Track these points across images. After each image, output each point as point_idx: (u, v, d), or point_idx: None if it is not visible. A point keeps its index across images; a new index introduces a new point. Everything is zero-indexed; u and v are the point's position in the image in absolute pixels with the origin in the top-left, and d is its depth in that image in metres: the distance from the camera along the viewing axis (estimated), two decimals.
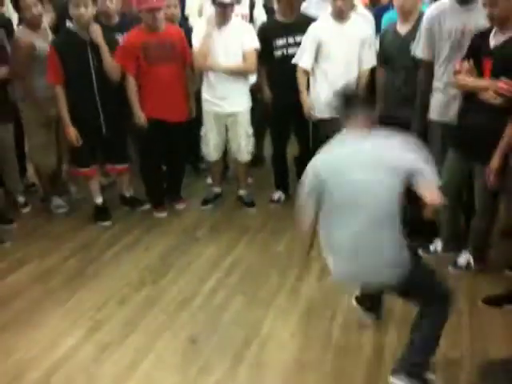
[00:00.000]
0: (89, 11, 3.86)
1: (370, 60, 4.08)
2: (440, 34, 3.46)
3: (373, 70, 4.14)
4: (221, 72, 4.16)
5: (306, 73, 4.12)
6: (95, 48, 3.95)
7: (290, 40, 4.20)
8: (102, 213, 4.37)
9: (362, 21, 4.13)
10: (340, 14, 3.96)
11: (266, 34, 4.25)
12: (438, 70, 3.54)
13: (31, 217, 4.45)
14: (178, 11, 4.57)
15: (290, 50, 4.19)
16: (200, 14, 4.97)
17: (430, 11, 3.56)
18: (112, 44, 4.03)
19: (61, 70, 3.93)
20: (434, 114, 3.62)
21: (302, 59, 4.08)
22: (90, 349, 2.92)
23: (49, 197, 4.55)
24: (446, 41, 3.44)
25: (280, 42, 4.22)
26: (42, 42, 4.08)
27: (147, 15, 3.99)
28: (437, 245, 3.68)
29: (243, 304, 3.28)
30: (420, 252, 3.69)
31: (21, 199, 4.55)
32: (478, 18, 3.26)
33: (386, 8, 4.58)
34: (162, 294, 3.39)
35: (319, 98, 4.11)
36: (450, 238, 3.63)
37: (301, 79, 4.13)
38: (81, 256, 3.86)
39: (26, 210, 4.54)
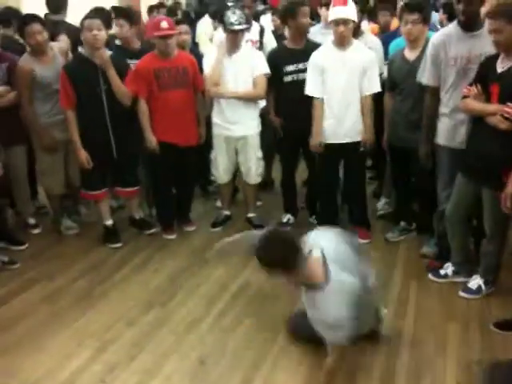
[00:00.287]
0: (101, 34, 3.93)
1: (373, 86, 4.03)
2: (446, 61, 3.49)
3: (380, 97, 4.17)
4: (231, 98, 4.22)
5: (321, 101, 4.07)
6: (106, 72, 4.02)
7: (300, 66, 4.23)
8: (111, 234, 4.39)
9: (363, 47, 4.11)
10: (341, 41, 3.97)
11: (276, 60, 4.29)
12: (444, 96, 3.57)
13: (41, 238, 4.47)
14: (189, 38, 4.67)
15: (300, 76, 4.23)
16: (212, 40, 5.07)
17: (435, 38, 3.59)
18: (123, 69, 4.10)
19: (72, 94, 3.99)
20: (440, 138, 3.64)
21: (310, 88, 4.10)
22: (98, 369, 2.90)
23: (59, 218, 4.58)
24: (451, 67, 3.48)
25: (290, 67, 4.26)
26: (47, 69, 4.12)
27: (159, 41, 4.07)
28: (447, 269, 3.65)
29: (252, 326, 3.26)
30: (430, 276, 3.68)
31: (31, 221, 4.59)
32: (484, 45, 3.30)
33: (394, 35, 4.63)
34: (170, 316, 3.37)
35: (325, 126, 4.10)
36: (461, 262, 3.60)
37: (314, 109, 4.09)
38: (90, 277, 3.86)
39: (37, 231, 4.56)
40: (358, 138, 4.08)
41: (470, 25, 3.40)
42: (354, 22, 3.93)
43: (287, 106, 4.35)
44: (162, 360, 2.96)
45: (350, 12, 3.90)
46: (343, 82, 3.99)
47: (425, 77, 3.63)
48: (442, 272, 3.65)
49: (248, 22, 4.24)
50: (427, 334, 3.12)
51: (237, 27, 4.08)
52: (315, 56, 4.07)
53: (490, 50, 3.19)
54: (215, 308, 3.45)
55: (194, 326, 3.27)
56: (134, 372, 2.88)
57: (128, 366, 2.92)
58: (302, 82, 4.16)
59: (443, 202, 3.64)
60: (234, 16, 4.08)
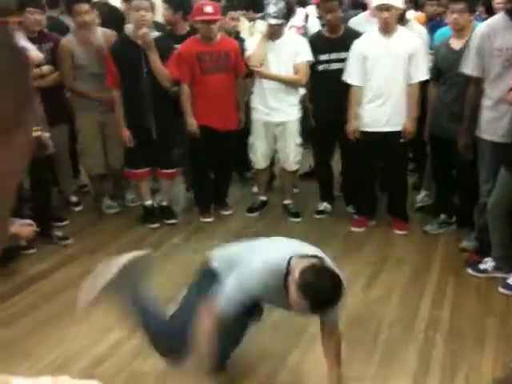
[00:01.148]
0: (148, 15, 3.97)
1: (420, 74, 3.98)
2: (490, 52, 3.42)
3: (424, 86, 4.10)
4: (273, 81, 4.21)
5: (359, 89, 4.07)
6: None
7: (333, 56, 4.20)
8: (150, 214, 4.45)
9: (409, 34, 4.05)
10: (385, 27, 3.92)
11: (312, 48, 4.26)
12: (488, 88, 3.49)
13: (83, 216, 4.58)
14: (238, 25, 4.67)
15: (333, 66, 4.20)
16: (251, 33, 5.04)
17: (480, 28, 3.53)
18: (167, 51, 4.13)
19: (116, 73, 4.05)
20: (482, 131, 3.57)
21: (350, 76, 4.07)
22: (134, 344, 2.95)
23: (100, 197, 4.67)
24: (496, 58, 3.40)
25: (323, 57, 4.22)
26: (85, 51, 4.18)
27: (202, 26, 4.09)
28: (487, 264, 3.59)
29: (284, 313, 3.25)
30: (469, 271, 3.62)
31: (73, 198, 4.69)
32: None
33: (440, 24, 4.55)
34: None
35: (364, 112, 4.08)
36: (501, 256, 3.54)
37: (351, 96, 4.09)
38: None
39: (78, 208, 4.67)
40: (399, 128, 4.03)
41: None
42: (398, 8, 3.87)
43: (319, 95, 4.33)
44: None
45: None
46: (387, 70, 3.95)
47: (468, 67, 3.56)
48: (482, 267, 3.59)
49: (286, 17, 4.19)
50: (464, 328, 3.09)
51: (273, 21, 4.06)
52: (357, 44, 4.03)
53: None
54: None
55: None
56: None
57: None
58: (333, 72, 4.13)
59: (484, 195, 3.57)
60: (273, 7, 4.06)
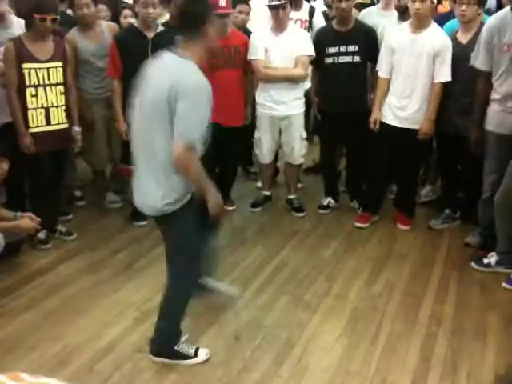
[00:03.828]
0: (156, 12, 3.96)
1: (440, 75, 3.85)
2: (499, 47, 3.39)
3: None
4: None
5: (386, 81, 4.02)
6: (156, 46, 4.04)
7: (342, 49, 4.17)
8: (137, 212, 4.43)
9: (439, 31, 3.91)
10: (417, 19, 3.80)
11: (320, 41, 4.25)
12: (496, 82, 3.46)
13: (86, 210, 4.58)
14: (248, 18, 4.62)
15: (341, 59, 4.17)
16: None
17: (490, 22, 3.49)
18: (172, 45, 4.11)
19: (120, 64, 4.00)
20: (490, 124, 3.54)
21: (380, 67, 4.05)
22: (135, 339, 2.96)
23: (103, 192, 4.67)
24: (504, 53, 3.37)
25: (332, 49, 4.20)
26: (90, 45, 4.16)
27: (217, 20, 4.02)
28: (491, 258, 3.56)
29: (288, 305, 3.26)
30: (473, 265, 3.60)
31: (77, 193, 4.70)
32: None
33: (448, 17, 4.50)
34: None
35: (386, 104, 4.05)
36: (506, 251, 3.51)
37: (377, 86, 4.05)
38: (131, 250, 3.94)
39: (82, 203, 4.67)
40: (417, 126, 3.96)
41: None
42: (432, 1, 3.79)
43: (326, 88, 4.30)
44: (198, 334, 2.99)
45: None
46: (409, 66, 3.89)
47: (478, 61, 3.52)
48: (486, 261, 3.57)
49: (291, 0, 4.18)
50: (466, 323, 3.07)
51: (276, 2, 4.04)
52: (388, 35, 3.98)
53: None
54: (252, 286, 3.47)
55: (230, 302, 3.29)
56: None
57: None
58: (342, 65, 4.10)
59: (487, 189, 3.55)
60: None
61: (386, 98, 4.03)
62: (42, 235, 3.89)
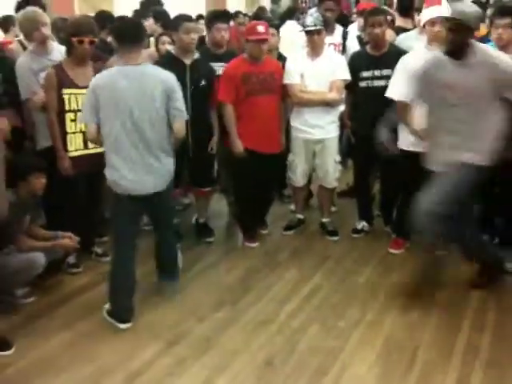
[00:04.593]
0: (196, 38, 4.11)
1: None
2: (430, 84, 3.43)
3: None
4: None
5: (405, 105, 3.86)
6: (194, 72, 4.12)
7: (376, 73, 4.16)
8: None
9: None
10: (436, 42, 3.77)
11: (354, 65, 4.26)
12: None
13: None
14: (277, 41, 4.68)
15: (375, 83, 4.16)
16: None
17: (420, 60, 3.56)
18: (210, 72, 4.23)
19: None
20: None
21: (393, 90, 3.97)
22: (167, 362, 2.97)
23: None
24: (433, 92, 3.41)
25: (365, 73, 4.20)
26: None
27: (254, 45, 4.07)
28: None
29: (321, 332, 3.22)
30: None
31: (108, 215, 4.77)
32: (468, 76, 3.23)
33: (484, 40, 4.45)
34: (240, 315, 3.40)
35: (404, 130, 3.99)
36: None
37: (398, 112, 3.95)
38: None
39: None
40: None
41: None
42: None
43: (360, 112, 4.30)
44: (230, 358, 2.99)
45: (446, 12, 3.74)
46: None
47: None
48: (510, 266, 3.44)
49: (325, 24, 4.20)
50: (504, 355, 2.97)
51: (311, 28, 4.08)
52: (405, 59, 3.96)
53: (474, 81, 3.23)
54: (285, 310, 3.44)
55: (263, 326, 3.28)
56: (202, 367, 2.92)
57: (197, 360, 2.97)
58: (376, 89, 4.09)
59: None
60: (310, 18, 4.14)
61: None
62: (71, 259, 3.96)
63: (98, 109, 3.18)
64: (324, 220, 4.59)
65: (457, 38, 3.23)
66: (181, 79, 4.06)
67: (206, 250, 4.34)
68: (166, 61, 4.14)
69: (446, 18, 3.28)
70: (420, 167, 3.93)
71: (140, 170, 3.25)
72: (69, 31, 3.74)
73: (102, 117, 3.19)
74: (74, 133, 3.80)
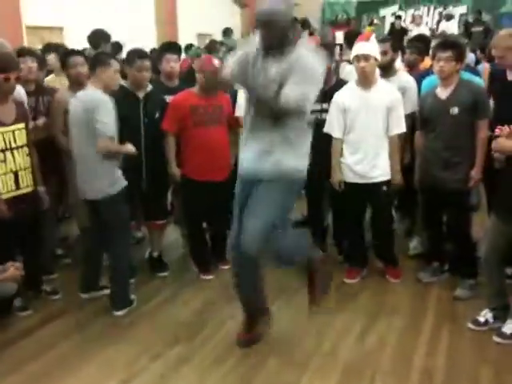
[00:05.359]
0: (148, 75, 4.12)
1: (397, 127, 4.01)
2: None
3: (412, 135, 4.17)
4: None
5: (340, 141, 4.09)
6: (146, 106, 4.11)
7: (325, 106, 4.21)
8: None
9: (388, 87, 4.06)
10: (363, 77, 3.94)
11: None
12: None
13: (70, 268, 4.47)
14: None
15: (324, 115, 4.22)
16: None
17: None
18: (162, 103, 4.23)
19: None
20: None
21: (329, 127, 4.12)
22: None
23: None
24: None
25: (315, 106, 4.26)
26: None
27: (211, 78, 4.02)
28: (486, 316, 3.49)
29: (278, 365, 3.19)
30: (470, 325, 3.53)
31: (59, 251, 4.65)
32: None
33: (427, 73, 4.63)
34: (195, 351, 3.35)
35: (346, 164, 4.10)
36: (499, 307, 3.46)
37: (333, 147, 4.11)
38: None
39: (67, 261, 4.62)
40: (382, 178, 4.03)
41: None
42: (376, 58, 3.92)
43: (311, 145, 4.34)
44: None
45: (372, 48, 3.90)
46: (366, 123, 3.97)
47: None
48: (481, 319, 3.48)
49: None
50: (458, 378, 3.02)
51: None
52: (338, 95, 4.08)
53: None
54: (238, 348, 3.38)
55: (218, 362, 3.23)
56: None
57: None
58: (324, 122, 4.16)
59: None
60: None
61: (345, 158, 4.09)
62: (17, 303, 3.78)
63: None
64: None
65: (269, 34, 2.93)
66: (134, 112, 4.08)
67: (161, 284, 4.27)
68: (119, 94, 4.12)
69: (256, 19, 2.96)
70: (364, 197, 4.07)
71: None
72: None
73: None
74: (5, 174, 3.53)
